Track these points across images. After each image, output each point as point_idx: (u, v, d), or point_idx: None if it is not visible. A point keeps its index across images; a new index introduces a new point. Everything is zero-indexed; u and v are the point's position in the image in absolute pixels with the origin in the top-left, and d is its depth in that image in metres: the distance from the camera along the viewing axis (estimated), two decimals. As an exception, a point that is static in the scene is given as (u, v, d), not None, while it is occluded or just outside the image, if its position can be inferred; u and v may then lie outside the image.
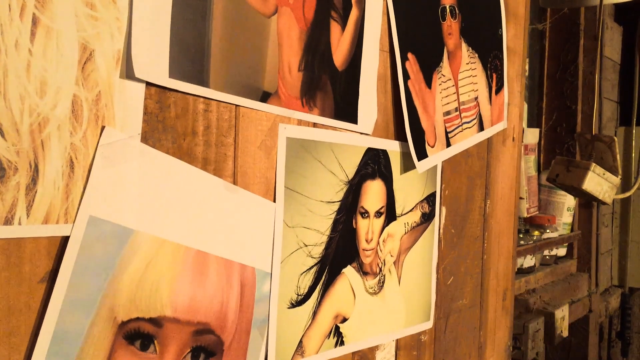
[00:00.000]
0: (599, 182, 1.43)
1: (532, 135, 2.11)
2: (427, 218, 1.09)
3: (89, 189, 0.59)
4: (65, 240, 0.57)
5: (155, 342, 0.66)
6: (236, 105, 0.73)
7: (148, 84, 0.63)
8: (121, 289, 0.62)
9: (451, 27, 1.10)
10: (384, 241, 0.98)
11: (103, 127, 0.60)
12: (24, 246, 0.55)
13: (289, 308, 0.82)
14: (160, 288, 0.66)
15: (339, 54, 0.86)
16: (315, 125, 0.84)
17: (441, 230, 1.14)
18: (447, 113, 1.09)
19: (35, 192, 0.55)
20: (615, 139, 1.49)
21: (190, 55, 0.67)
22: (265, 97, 0.76)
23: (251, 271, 0.76)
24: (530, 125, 2.38)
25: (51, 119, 0.55)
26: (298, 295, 0.84)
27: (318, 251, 0.86)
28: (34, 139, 0.54)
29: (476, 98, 1.19)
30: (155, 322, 0.66)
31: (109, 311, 0.61)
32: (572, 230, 2.37)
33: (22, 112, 0.53)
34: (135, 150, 0.62)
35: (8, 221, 0.53)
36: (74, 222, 0.58)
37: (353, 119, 0.89)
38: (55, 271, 0.57)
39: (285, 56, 0.78)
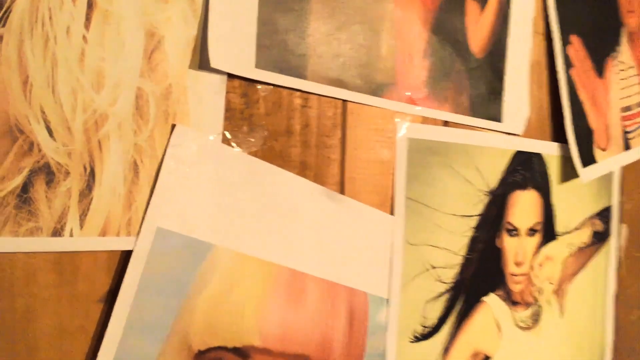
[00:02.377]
0: None
1: None
2: (600, 238, 0.88)
3: (156, 196, 0.51)
4: (127, 254, 0.50)
5: (241, 375, 0.56)
6: (343, 100, 0.62)
7: (230, 75, 0.54)
8: (197, 313, 0.54)
9: (632, 2, 0.89)
10: (540, 265, 0.80)
11: (174, 126, 0.52)
12: (78, 261, 0.48)
13: (411, 342, 0.69)
14: (246, 313, 0.56)
15: (477, 38, 0.71)
16: (446, 123, 0.70)
17: (621, 253, 0.93)
18: (627, 109, 0.88)
19: (91, 199, 0.48)
20: None
21: (284, 41, 0.57)
22: (379, 90, 0.64)
23: (362, 296, 0.64)
24: None
25: (110, 116, 0.48)
26: (424, 327, 0.70)
27: (450, 275, 0.71)
28: (89, 139, 0.48)
29: (669, 90, 0.96)
30: (241, 352, 0.56)
31: (183, 338, 0.53)
32: None
33: (74, 107, 0.47)
34: (214, 151, 0.54)
35: (57, 232, 0.47)
36: (138, 235, 0.50)
37: (496, 117, 0.74)
38: (116, 290, 0.50)
39: (406, 41, 0.65)
